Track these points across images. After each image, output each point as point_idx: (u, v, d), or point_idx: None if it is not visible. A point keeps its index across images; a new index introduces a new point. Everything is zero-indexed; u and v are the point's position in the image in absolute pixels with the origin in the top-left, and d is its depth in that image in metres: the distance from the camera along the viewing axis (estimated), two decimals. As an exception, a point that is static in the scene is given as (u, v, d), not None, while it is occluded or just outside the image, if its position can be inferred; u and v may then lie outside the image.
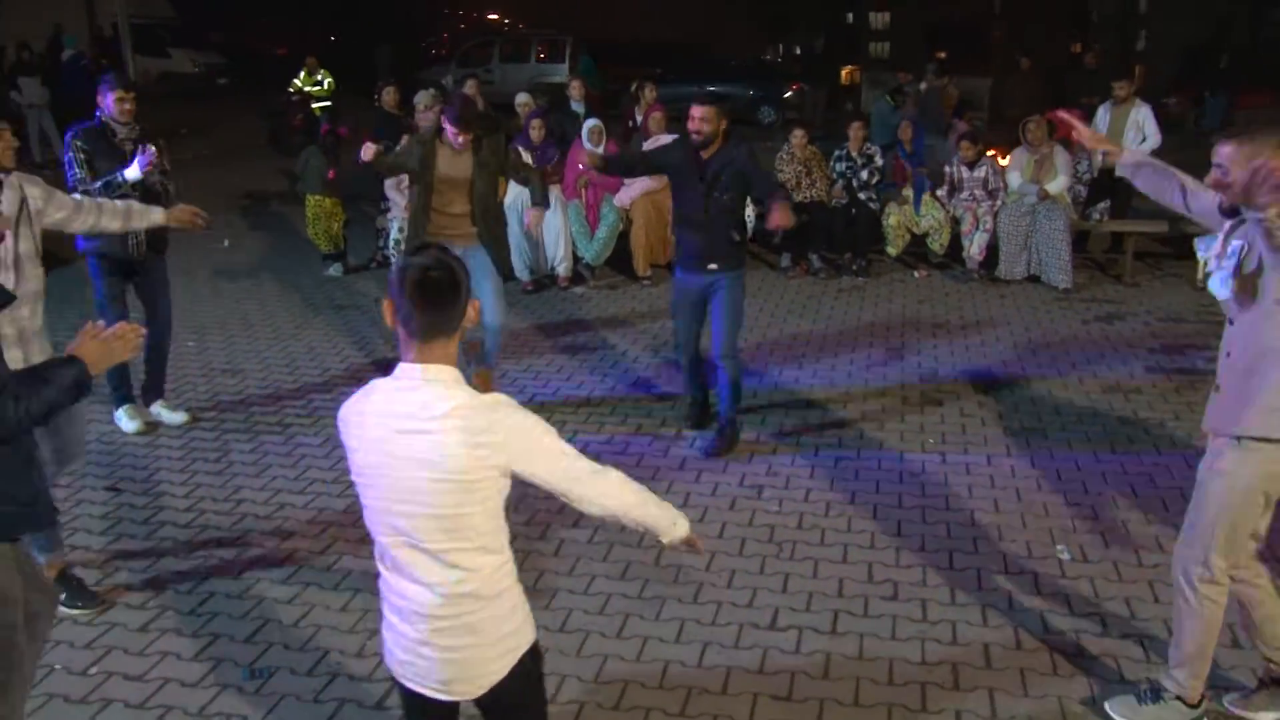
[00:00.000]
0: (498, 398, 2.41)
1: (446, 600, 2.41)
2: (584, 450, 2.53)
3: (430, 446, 2.31)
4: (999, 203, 9.59)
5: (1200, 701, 3.65)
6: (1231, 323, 3.44)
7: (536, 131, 9.56)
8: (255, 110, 19.32)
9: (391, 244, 9.90)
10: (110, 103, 5.98)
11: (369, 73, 21.32)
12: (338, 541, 5.04)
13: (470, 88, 10.99)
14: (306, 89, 17.13)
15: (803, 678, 3.97)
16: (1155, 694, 3.67)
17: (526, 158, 9.39)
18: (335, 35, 35.71)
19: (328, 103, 17.13)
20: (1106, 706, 3.74)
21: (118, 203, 5.16)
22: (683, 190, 5.92)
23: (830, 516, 5.25)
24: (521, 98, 11.22)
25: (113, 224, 5.07)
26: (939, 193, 9.90)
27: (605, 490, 2.52)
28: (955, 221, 9.80)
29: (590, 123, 9.70)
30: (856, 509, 5.32)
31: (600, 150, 9.56)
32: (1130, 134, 9.87)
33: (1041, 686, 3.89)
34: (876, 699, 3.85)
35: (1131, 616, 4.33)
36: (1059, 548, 4.89)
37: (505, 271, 6.94)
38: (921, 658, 4.08)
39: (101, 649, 4.19)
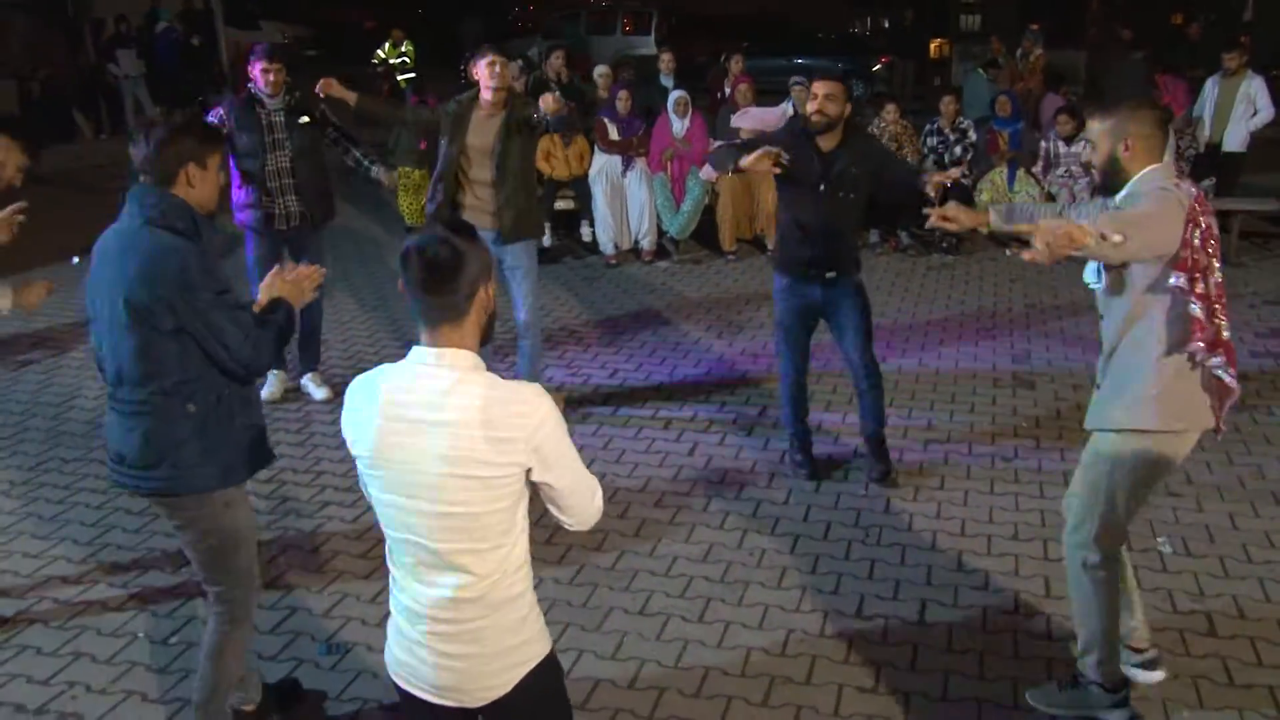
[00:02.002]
0: (527, 386, 2.22)
1: (450, 604, 2.22)
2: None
3: (447, 439, 2.13)
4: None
5: (1123, 685, 3.52)
6: (1103, 317, 3.42)
7: (623, 104, 9.44)
8: (343, 82, 19.49)
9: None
10: (257, 74, 5.94)
11: (456, 45, 21.37)
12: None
13: (556, 59, 10.88)
14: (391, 61, 17.21)
15: (889, 669, 3.84)
16: (1074, 681, 3.56)
17: (612, 130, 9.29)
18: (421, 7, 35.88)
19: (412, 74, 17.18)
20: (1028, 695, 3.64)
21: None
22: (794, 187, 5.04)
23: (918, 501, 5.09)
24: (600, 69, 11.10)
25: None
26: (1034, 169, 9.59)
27: (594, 512, 2.36)
28: (1050, 198, 9.48)
29: (675, 94, 9.56)
30: (946, 494, 5.16)
31: (686, 122, 9.43)
32: (1241, 107, 9.46)
33: (1141, 688, 3.70)
34: (966, 693, 3.71)
35: (1240, 615, 4.12)
36: (1160, 540, 4.68)
37: (536, 230, 6.26)
38: (1014, 652, 3.93)
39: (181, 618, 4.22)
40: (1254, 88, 9.49)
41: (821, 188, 4.95)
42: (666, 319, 7.88)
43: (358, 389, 2.29)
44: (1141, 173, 3.23)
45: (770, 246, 9.58)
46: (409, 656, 2.32)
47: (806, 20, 30.45)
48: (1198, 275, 3.15)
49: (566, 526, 2.38)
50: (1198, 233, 3.13)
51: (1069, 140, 9.40)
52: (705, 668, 3.85)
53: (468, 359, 2.20)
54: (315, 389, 6.48)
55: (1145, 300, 3.22)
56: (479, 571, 2.21)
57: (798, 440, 5.44)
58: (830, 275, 5.07)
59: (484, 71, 5.69)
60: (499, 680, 2.28)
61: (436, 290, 2.17)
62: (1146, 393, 3.26)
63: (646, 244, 9.53)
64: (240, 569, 3.29)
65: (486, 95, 5.73)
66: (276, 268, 3.37)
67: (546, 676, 2.37)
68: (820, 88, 4.91)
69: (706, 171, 9.50)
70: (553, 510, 2.33)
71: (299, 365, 6.53)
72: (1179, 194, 3.13)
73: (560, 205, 9.88)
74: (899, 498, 5.12)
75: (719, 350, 7.20)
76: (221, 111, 6.00)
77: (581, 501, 2.32)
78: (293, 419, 6.16)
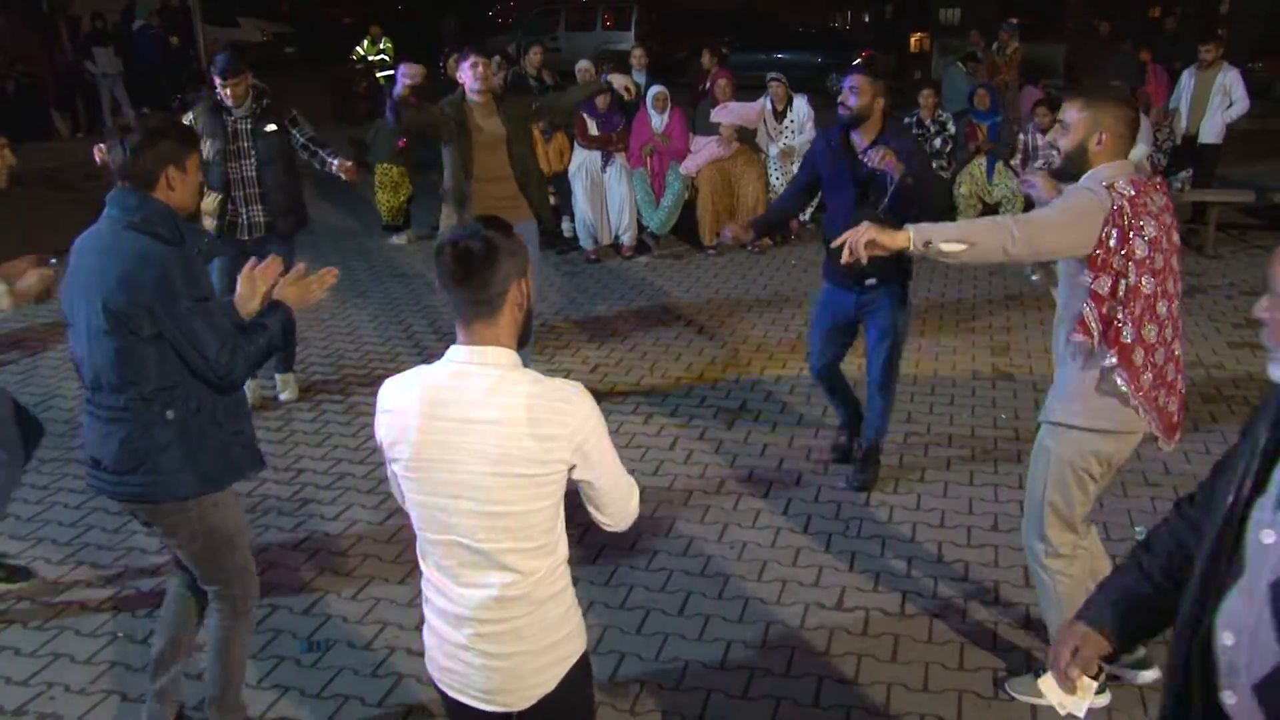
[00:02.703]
0: (568, 384, 2.20)
1: (495, 604, 2.20)
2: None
3: (495, 438, 2.10)
4: (1057, 162, 9.26)
5: (1097, 675, 3.48)
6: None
7: (602, 99, 9.43)
8: (320, 79, 19.42)
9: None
10: (217, 87, 5.73)
11: (435, 41, 21.32)
12: (395, 515, 5.00)
13: (535, 55, 10.87)
14: (370, 58, 17.15)
15: (870, 660, 3.86)
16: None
17: (591, 126, 9.28)
18: (400, 4, 35.75)
19: (391, 71, 17.12)
20: (1006, 685, 3.68)
21: None
22: (832, 189, 4.92)
23: (898, 494, 5.12)
24: (582, 64, 11.10)
25: None
26: (1013, 161, 9.63)
27: (631, 513, 2.36)
28: (1029, 191, 9.52)
29: (654, 90, 9.55)
30: (926, 486, 5.18)
31: (664, 117, 9.41)
32: (1216, 99, 9.53)
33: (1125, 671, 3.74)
34: (945, 684, 3.73)
35: (1216, 603, 4.14)
36: (1138, 529, 4.72)
37: (549, 225, 6.59)
38: (993, 644, 3.95)
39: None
40: (1229, 80, 9.56)
41: (853, 188, 4.78)
42: (647, 314, 7.89)
43: (394, 392, 2.24)
44: (1099, 167, 3.23)
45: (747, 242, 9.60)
46: (454, 663, 2.28)
47: (787, 14, 30.44)
48: (1102, 274, 3.13)
49: (604, 527, 2.36)
50: (1115, 234, 3.10)
51: (1046, 132, 9.43)
52: (686, 660, 3.87)
53: (507, 356, 2.18)
54: (283, 391, 6.37)
55: (1072, 295, 3.27)
56: (524, 569, 2.19)
57: (843, 422, 5.45)
58: (869, 282, 4.85)
59: (468, 74, 5.75)
60: (544, 678, 2.27)
61: (467, 284, 2.14)
62: (1072, 388, 3.33)
63: (627, 239, 9.52)
64: (235, 565, 3.27)
65: (474, 96, 5.78)
66: (250, 264, 3.34)
67: (583, 674, 2.37)
68: (848, 80, 4.74)
69: (686, 166, 9.51)
70: (591, 510, 2.32)
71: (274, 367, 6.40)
72: (1103, 196, 3.13)
73: (554, 200, 9.87)
74: (879, 489, 5.14)
75: (699, 345, 7.21)
76: (185, 119, 5.81)
77: (619, 501, 2.31)
78: (272, 416, 6.14)
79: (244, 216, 5.86)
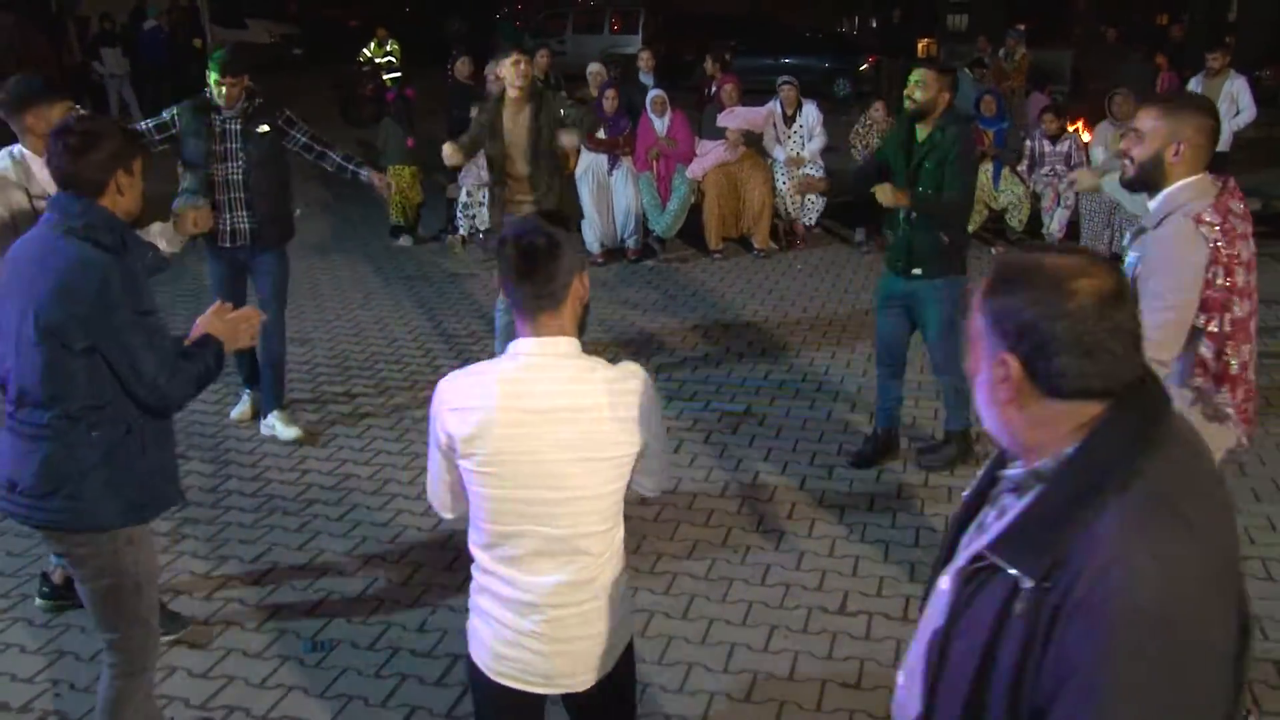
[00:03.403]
0: (632, 369, 2.31)
1: (568, 588, 2.27)
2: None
3: (577, 425, 2.19)
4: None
5: None
6: None
7: (610, 102, 9.44)
8: (327, 81, 19.45)
9: (460, 209, 9.89)
10: (212, 85, 5.44)
11: (442, 44, 21.34)
12: (401, 514, 5.01)
13: (541, 57, 10.88)
14: (376, 60, 17.18)
15: (873, 665, 3.86)
16: None
17: (599, 130, 9.30)
18: (408, 6, 35.82)
19: (398, 74, 17.17)
20: None
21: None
22: (891, 177, 5.08)
23: (903, 499, 5.11)
24: (593, 67, 11.11)
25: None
26: (1019, 168, 9.62)
27: (669, 475, 2.51)
28: (1035, 198, 9.52)
29: (652, 93, 9.56)
30: (929, 491, 5.18)
31: (666, 121, 9.41)
32: (1224, 106, 9.49)
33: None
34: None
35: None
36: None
37: (573, 224, 6.77)
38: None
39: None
40: (1237, 87, 9.55)
41: (906, 175, 4.97)
42: (652, 317, 7.89)
43: (464, 389, 2.25)
44: (1178, 184, 3.11)
45: (756, 245, 9.61)
46: (514, 650, 2.32)
47: (795, 19, 30.45)
48: (1214, 314, 3.07)
49: (645, 492, 2.46)
50: (1220, 272, 3.04)
51: (1054, 139, 9.43)
52: (688, 663, 3.87)
53: (575, 346, 2.25)
54: (283, 428, 5.85)
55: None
56: (596, 551, 2.28)
57: (874, 430, 5.54)
58: (915, 272, 5.06)
59: (509, 71, 5.97)
60: (608, 659, 2.37)
61: (531, 278, 2.19)
62: None
63: (632, 243, 9.53)
64: (139, 615, 3.02)
65: (513, 93, 6.01)
66: (218, 303, 3.20)
67: (632, 654, 2.50)
68: (913, 75, 4.90)
69: (692, 170, 9.51)
70: (637, 478, 2.38)
71: (263, 405, 5.95)
72: (1200, 232, 3.03)
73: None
74: (882, 495, 5.14)
75: (704, 349, 7.21)
76: (166, 115, 5.50)
77: (665, 468, 2.45)
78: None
79: (227, 223, 5.51)
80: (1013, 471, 1.56)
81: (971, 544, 1.59)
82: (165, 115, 5.52)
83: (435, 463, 2.34)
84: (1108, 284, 1.45)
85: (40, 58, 17.05)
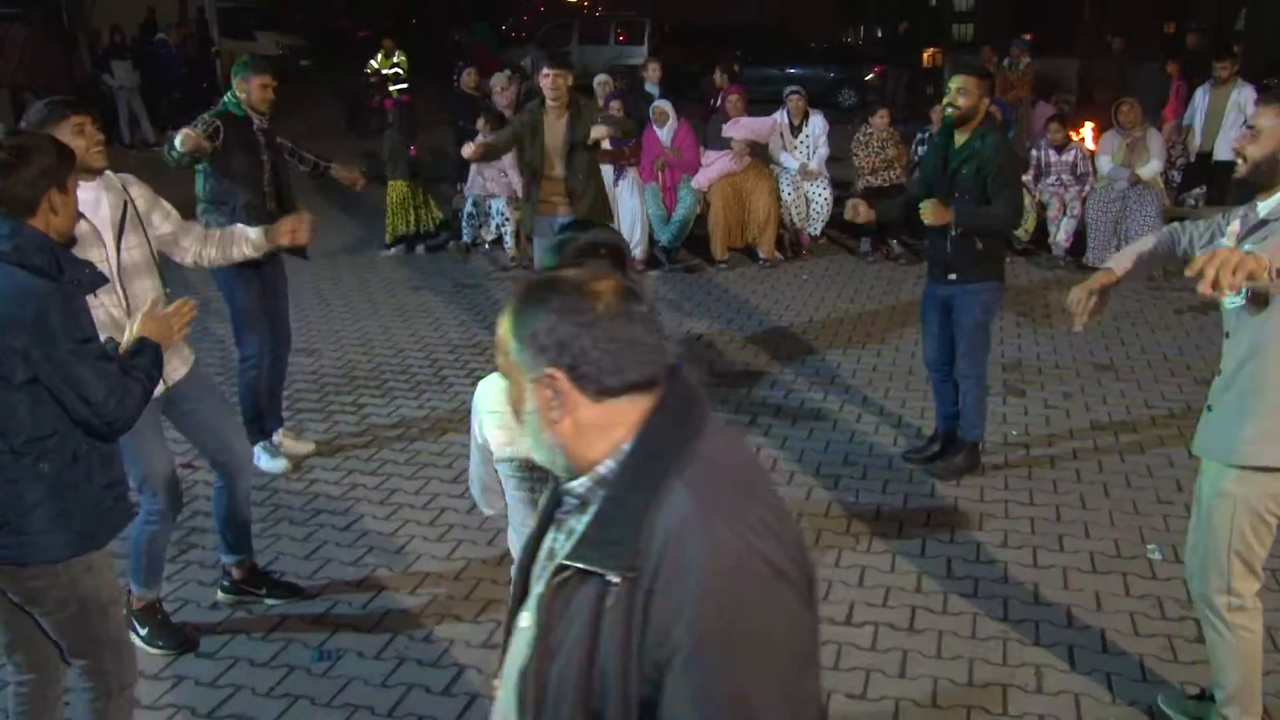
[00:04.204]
0: None
1: None
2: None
3: None
4: (1088, 188, 9.29)
5: None
6: (1228, 335, 3.20)
7: (617, 113, 9.46)
8: (335, 92, 19.54)
9: (465, 219, 9.91)
10: (254, 88, 5.33)
11: (450, 54, 21.46)
12: (407, 524, 5.02)
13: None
14: (384, 72, 17.24)
15: (878, 676, 3.85)
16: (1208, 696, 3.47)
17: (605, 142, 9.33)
18: (415, 17, 35.98)
19: (405, 85, 17.22)
20: (1159, 700, 3.59)
21: (228, 229, 4.39)
22: (929, 185, 5.21)
23: (908, 509, 5.11)
24: (600, 78, 11.15)
25: (213, 253, 4.26)
26: (1025, 177, 9.62)
27: None
28: (1041, 207, 9.53)
29: (654, 104, 9.59)
30: (935, 502, 5.17)
31: (668, 131, 9.43)
32: (1231, 115, 9.52)
33: (1130, 692, 3.72)
34: (955, 701, 3.72)
35: (1227, 621, 4.13)
36: (1150, 547, 4.70)
37: (607, 216, 7.18)
38: (1003, 659, 3.94)
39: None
40: (1244, 96, 9.55)
41: (943, 182, 5.05)
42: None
43: (500, 395, 2.27)
44: None
45: (762, 255, 9.62)
46: None
47: (800, 29, 30.54)
48: None
49: None
50: None
51: (1060, 148, 9.43)
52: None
53: None
54: (291, 446, 5.73)
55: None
56: None
57: (936, 430, 5.61)
58: (951, 277, 5.12)
59: (544, 84, 6.39)
60: None
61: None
62: (1269, 427, 3.03)
63: (638, 253, 9.53)
64: (109, 636, 2.95)
65: (550, 102, 6.38)
66: (152, 302, 3.11)
67: None
68: (954, 81, 4.96)
69: (698, 180, 9.53)
70: None
71: (263, 427, 5.65)
72: None
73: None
74: (888, 505, 5.14)
75: (709, 358, 7.22)
76: (209, 121, 5.21)
77: None
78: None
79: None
80: (577, 485, 1.57)
81: (544, 573, 1.59)
82: (208, 121, 5.21)
83: (475, 460, 2.41)
84: (620, 283, 1.52)
85: (52, 70, 17.13)
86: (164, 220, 4.08)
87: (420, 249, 10.22)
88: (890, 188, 9.46)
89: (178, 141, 4.96)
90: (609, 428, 1.52)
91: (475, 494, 2.47)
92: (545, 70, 6.42)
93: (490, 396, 2.32)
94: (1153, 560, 4.60)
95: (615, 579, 1.44)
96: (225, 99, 5.40)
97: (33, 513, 2.72)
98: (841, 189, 10.15)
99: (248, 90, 5.33)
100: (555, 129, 6.40)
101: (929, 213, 4.93)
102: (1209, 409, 3.26)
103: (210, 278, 5.51)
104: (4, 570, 2.78)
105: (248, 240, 4.27)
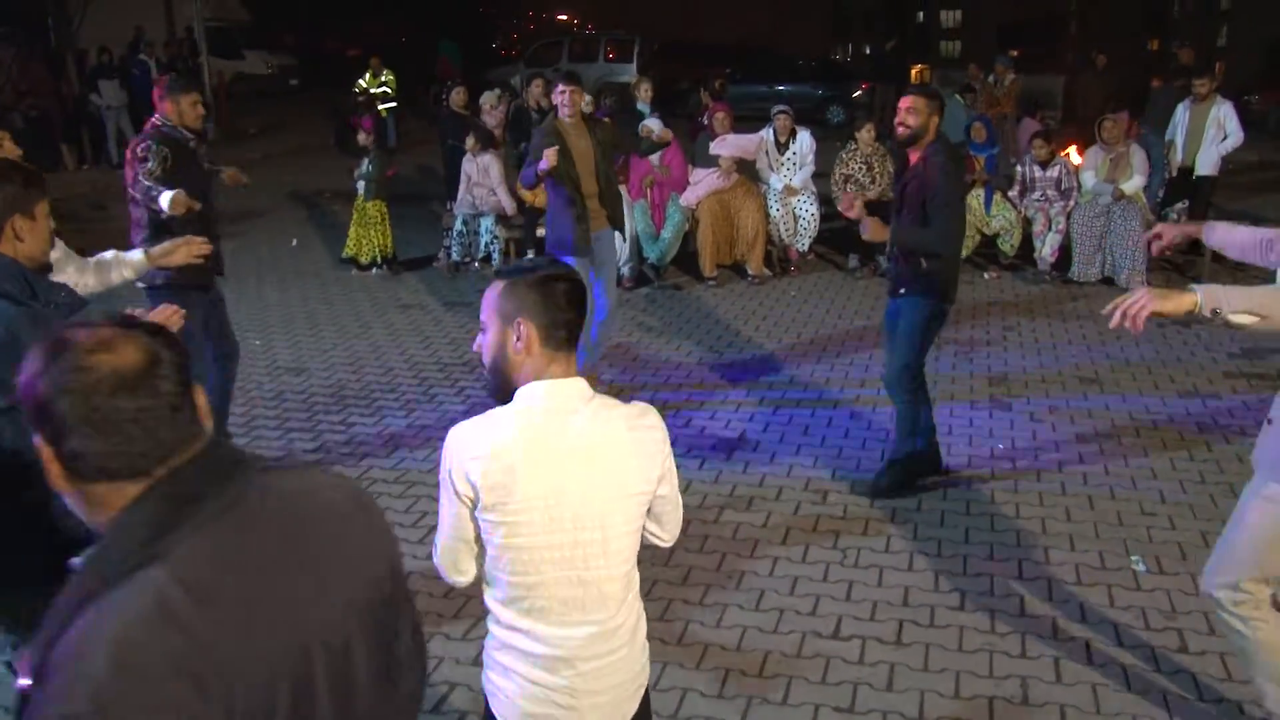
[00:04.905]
0: (645, 407, 2.28)
1: (598, 638, 2.21)
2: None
3: (604, 464, 2.16)
4: (1072, 203, 9.37)
5: None
6: None
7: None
8: (324, 111, 19.60)
9: (455, 237, 9.94)
10: (186, 106, 5.36)
11: (434, 74, 21.56)
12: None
13: (536, 87, 10.97)
14: (372, 90, 17.31)
15: (866, 689, 3.87)
16: None
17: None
18: (404, 36, 36.10)
19: (393, 104, 17.30)
20: None
21: (106, 255, 4.28)
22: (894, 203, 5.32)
23: (896, 523, 5.14)
24: (586, 98, 11.21)
25: (91, 280, 4.11)
26: (1010, 193, 9.70)
27: (680, 525, 2.45)
28: (1027, 222, 9.60)
29: (642, 124, 9.64)
30: (922, 515, 5.20)
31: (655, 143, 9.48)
32: (1211, 131, 9.60)
33: (1115, 703, 3.76)
34: (942, 712, 3.74)
35: (1211, 632, 4.16)
36: (1133, 559, 4.74)
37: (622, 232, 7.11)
38: (990, 671, 3.97)
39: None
40: (1224, 113, 9.64)
41: (898, 202, 5.16)
42: (647, 345, 7.93)
43: (483, 438, 2.14)
44: None
45: (750, 272, 9.67)
46: (547, 708, 2.23)
47: (788, 47, 30.71)
48: None
49: (661, 544, 2.43)
50: None
51: (1044, 164, 9.51)
52: (683, 690, 3.89)
53: (586, 385, 2.22)
54: None
55: None
56: (619, 596, 2.25)
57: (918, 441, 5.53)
58: (901, 292, 5.22)
59: (559, 99, 6.46)
60: (632, 706, 2.33)
61: (581, 311, 2.22)
62: None
63: (627, 271, 9.57)
64: None
65: (566, 119, 6.44)
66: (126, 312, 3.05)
67: (649, 701, 2.43)
68: (903, 101, 5.06)
69: (686, 198, 9.58)
70: (652, 529, 2.37)
71: None
72: None
73: (543, 233, 9.93)
74: (876, 519, 5.17)
75: (699, 375, 7.26)
76: (144, 150, 5.20)
77: (678, 514, 2.41)
78: (274, 446, 6.17)
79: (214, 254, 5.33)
80: (75, 560, 1.42)
81: None
82: (156, 151, 5.22)
83: (450, 522, 2.22)
84: (132, 360, 1.36)
85: (40, 90, 17.16)
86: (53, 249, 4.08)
87: (375, 272, 10.23)
88: (878, 203, 9.51)
89: (166, 204, 5.02)
90: (103, 508, 1.40)
91: (445, 567, 2.31)
92: (561, 87, 6.46)
93: (472, 442, 2.15)
94: (1137, 572, 4.63)
95: (24, 683, 1.29)
96: (157, 122, 5.34)
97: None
98: (829, 205, 10.21)
99: (179, 110, 5.33)
100: (580, 145, 6.43)
101: (869, 228, 5.08)
102: (1269, 421, 3.31)
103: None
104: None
105: (128, 264, 4.21)
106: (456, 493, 2.17)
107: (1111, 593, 4.48)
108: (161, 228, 5.19)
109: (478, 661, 3.97)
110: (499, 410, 2.20)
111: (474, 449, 2.14)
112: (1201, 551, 4.76)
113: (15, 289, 2.66)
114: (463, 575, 2.32)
